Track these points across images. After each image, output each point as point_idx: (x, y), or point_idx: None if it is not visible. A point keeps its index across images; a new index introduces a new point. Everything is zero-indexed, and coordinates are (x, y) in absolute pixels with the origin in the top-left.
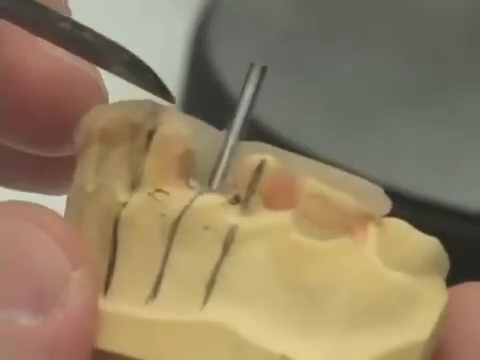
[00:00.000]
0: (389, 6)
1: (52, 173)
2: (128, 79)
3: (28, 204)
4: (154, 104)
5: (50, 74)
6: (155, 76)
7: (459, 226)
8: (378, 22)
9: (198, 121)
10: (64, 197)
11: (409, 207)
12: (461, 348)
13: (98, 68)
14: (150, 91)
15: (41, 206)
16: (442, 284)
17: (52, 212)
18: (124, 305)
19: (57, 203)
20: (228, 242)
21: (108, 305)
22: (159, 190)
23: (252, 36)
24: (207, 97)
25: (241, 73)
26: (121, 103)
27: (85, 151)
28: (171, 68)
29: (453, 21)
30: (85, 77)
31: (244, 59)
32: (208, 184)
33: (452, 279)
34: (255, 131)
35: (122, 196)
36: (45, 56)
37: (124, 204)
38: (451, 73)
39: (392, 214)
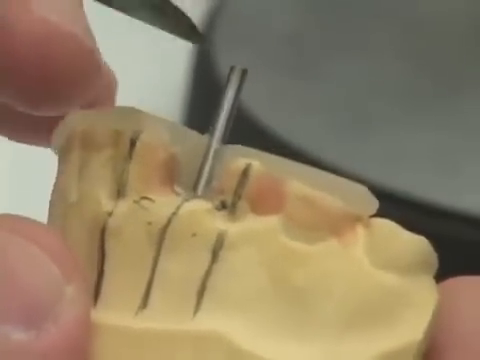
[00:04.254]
0: (391, 10)
1: (50, 127)
2: (153, 23)
3: (17, 217)
4: (136, 110)
5: (41, 34)
6: (184, 15)
7: (460, 229)
8: (380, 26)
9: (180, 126)
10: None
11: (410, 210)
12: (452, 346)
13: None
14: (178, 34)
15: (29, 219)
16: (432, 283)
17: (42, 225)
18: (115, 315)
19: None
20: (217, 249)
21: (98, 316)
22: (144, 197)
23: (256, 40)
24: (211, 101)
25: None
26: (102, 110)
27: (67, 156)
28: (174, 72)
29: (455, 25)
30: (78, 43)
31: (248, 62)
32: (193, 189)
33: None
34: (256, 133)
35: (107, 205)
36: (40, 19)
37: (110, 213)
38: (453, 76)
39: (391, 216)
